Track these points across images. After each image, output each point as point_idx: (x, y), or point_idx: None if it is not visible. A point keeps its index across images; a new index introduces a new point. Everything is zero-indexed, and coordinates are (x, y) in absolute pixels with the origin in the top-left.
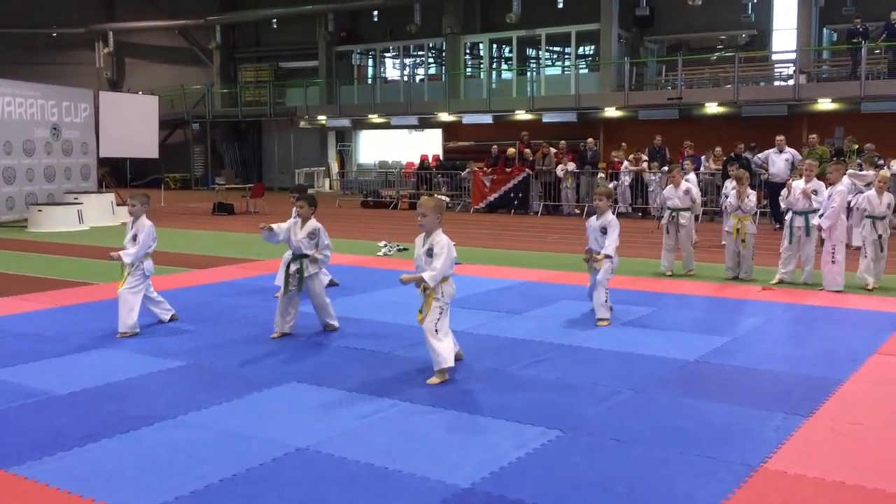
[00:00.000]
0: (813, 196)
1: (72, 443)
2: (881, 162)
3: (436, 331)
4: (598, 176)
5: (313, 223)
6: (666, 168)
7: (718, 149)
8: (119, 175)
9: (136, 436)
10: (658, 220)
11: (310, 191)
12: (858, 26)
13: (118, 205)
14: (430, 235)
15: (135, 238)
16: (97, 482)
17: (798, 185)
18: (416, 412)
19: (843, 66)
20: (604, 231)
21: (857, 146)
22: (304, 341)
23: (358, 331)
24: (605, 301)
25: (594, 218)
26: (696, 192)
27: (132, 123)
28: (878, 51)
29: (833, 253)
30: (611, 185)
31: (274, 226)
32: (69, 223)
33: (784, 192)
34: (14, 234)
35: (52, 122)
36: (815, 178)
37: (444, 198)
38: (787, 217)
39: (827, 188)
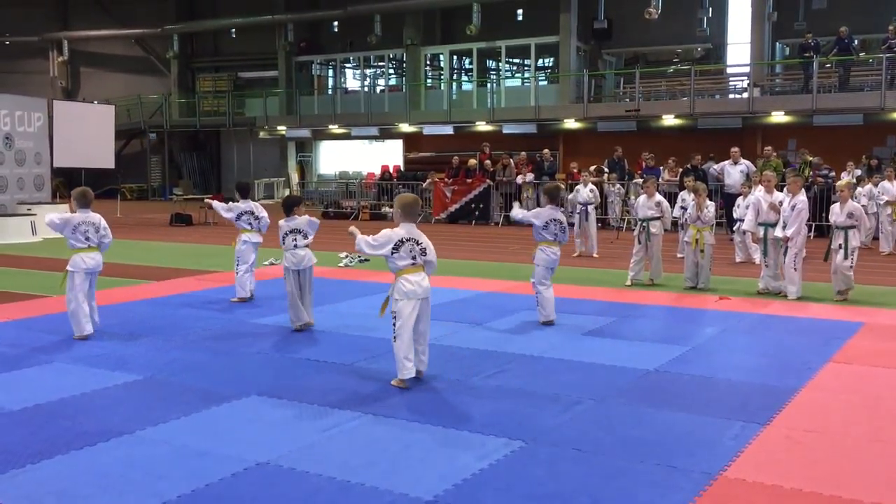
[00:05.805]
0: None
1: (24, 460)
2: (832, 174)
3: (394, 337)
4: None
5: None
6: (626, 179)
7: (672, 160)
8: (74, 185)
9: (90, 452)
10: (617, 231)
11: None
12: (810, 41)
13: None
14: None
15: None
16: (50, 500)
17: (761, 198)
18: (378, 425)
19: (795, 80)
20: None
21: (810, 158)
22: (263, 355)
23: (318, 342)
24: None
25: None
26: (666, 203)
27: (87, 133)
28: (828, 65)
29: (795, 260)
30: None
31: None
32: (22, 234)
33: (741, 201)
34: None
35: (4, 132)
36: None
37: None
38: (759, 233)
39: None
